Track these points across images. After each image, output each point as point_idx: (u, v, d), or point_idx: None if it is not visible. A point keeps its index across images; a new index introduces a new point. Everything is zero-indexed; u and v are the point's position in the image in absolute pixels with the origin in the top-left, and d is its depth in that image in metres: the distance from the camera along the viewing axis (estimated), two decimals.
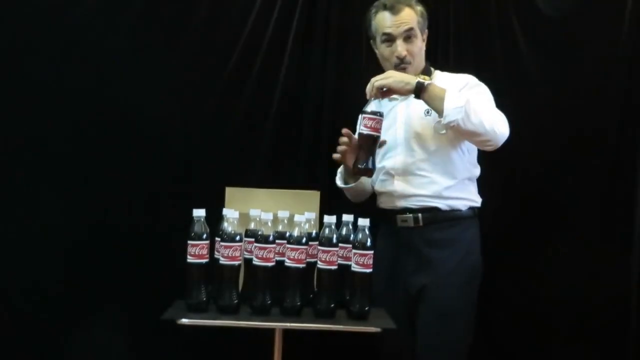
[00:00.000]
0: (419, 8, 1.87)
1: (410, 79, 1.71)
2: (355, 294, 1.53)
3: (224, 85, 2.28)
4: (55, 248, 2.18)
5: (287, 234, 1.54)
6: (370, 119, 1.65)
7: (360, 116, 1.73)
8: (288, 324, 1.48)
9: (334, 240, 1.52)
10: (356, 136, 1.80)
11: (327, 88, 2.29)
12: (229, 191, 1.87)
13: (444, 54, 2.31)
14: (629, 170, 2.14)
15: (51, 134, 2.20)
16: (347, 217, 1.60)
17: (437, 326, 1.79)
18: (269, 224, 1.54)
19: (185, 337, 2.16)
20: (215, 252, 1.59)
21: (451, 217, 1.83)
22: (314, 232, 1.60)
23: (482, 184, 1.97)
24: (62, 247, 2.18)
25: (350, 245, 1.54)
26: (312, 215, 1.62)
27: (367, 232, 1.52)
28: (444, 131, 1.78)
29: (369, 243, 1.51)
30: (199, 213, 1.52)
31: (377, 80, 1.72)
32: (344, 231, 1.59)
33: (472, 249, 1.85)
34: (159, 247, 2.14)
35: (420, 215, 1.82)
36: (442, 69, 2.29)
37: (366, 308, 1.53)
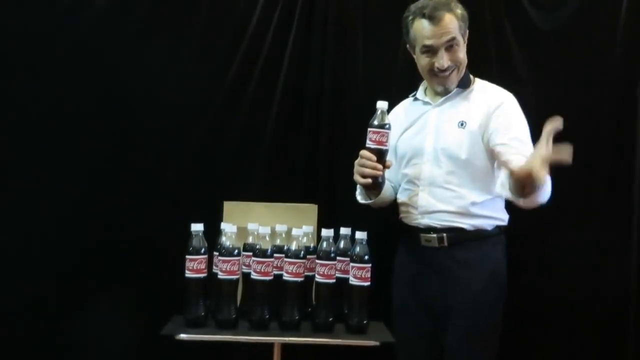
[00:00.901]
0: (459, 11, 1.74)
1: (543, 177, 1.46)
2: (353, 307, 1.53)
3: (221, 99, 2.29)
4: (53, 263, 2.18)
5: (285, 247, 1.54)
6: (375, 132, 1.59)
7: (368, 130, 1.64)
8: (287, 339, 1.48)
9: (332, 254, 1.53)
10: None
11: (324, 105, 2.29)
12: (227, 205, 1.88)
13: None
14: (625, 178, 2.16)
15: (46, 151, 2.21)
16: (345, 230, 1.60)
17: (466, 347, 1.72)
18: (267, 237, 1.54)
19: (184, 352, 2.14)
20: (214, 267, 1.59)
21: (477, 236, 1.73)
22: (312, 245, 1.60)
23: None
24: (60, 263, 2.18)
25: (348, 259, 1.54)
26: (310, 228, 1.62)
27: (364, 245, 1.53)
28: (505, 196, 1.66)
29: (366, 256, 1.51)
30: (197, 227, 1.52)
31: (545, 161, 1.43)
32: (341, 244, 1.59)
33: (499, 268, 1.76)
34: (157, 261, 2.14)
35: (445, 235, 1.72)
36: None
37: (365, 321, 1.53)
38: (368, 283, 1.51)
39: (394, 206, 1.92)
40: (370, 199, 1.80)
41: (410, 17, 1.75)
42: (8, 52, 2.20)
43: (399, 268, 1.88)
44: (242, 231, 1.60)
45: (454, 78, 1.76)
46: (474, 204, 1.72)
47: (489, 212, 1.75)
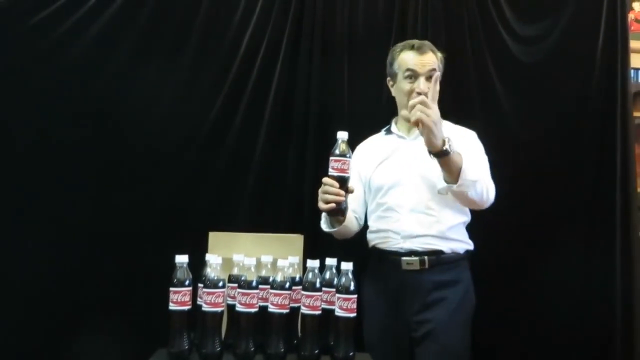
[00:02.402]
0: (440, 54, 1.94)
1: (440, 138, 1.68)
2: (339, 339, 1.52)
3: (207, 129, 2.30)
4: (33, 293, 2.14)
5: (271, 279, 1.53)
6: (336, 160, 1.65)
7: (329, 159, 1.70)
8: None
9: (318, 285, 1.52)
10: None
11: (310, 137, 2.30)
12: (212, 236, 1.87)
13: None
14: (606, 204, 2.21)
15: (31, 179, 2.19)
16: (331, 261, 1.60)
17: None
18: (252, 269, 1.53)
19: None
20: (198, 299, 1.57)
21: (453, 259, 1.87)
22: (297, 276, 1.59)
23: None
24: (41, 292, 2.14)
25: (334, 290, 1.53)
26: (296, 259, 1.61)
27: (350, 275, 1.52)
28: (445, 193, 1.81)
29: (352, 287, 1.51)
30: (182, 259, 1.51)
31: (424, 112, 1.65)
32: (327, 275, 1.58)
33: (470, 288, 1.91)
34: (140, 293, 2.11)
35: (426, 257, 1.84)
36: None
37: (351, 353, 1.51)
38: (354, 314, 1.51)
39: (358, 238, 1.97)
40: (334, 227, 1.87)
41: (398, 50, 1.94)
42: (5, 73, 2.20)
43: (373, 297, 1.91)
44: (228, 262, 1.59)
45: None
46: (450, 228, 1.87)
47: (460, 237, 1.91)
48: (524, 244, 2.25)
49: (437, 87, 1.86)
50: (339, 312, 1.50)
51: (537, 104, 2.32)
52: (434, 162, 1.80)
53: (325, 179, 1.68)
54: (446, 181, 1.74)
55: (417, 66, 1.86)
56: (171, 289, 1.48)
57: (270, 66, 2.32)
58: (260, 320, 1.51)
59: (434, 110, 1.68)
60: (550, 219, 2.27)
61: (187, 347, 1.50)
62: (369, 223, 1.97)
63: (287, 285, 1.51)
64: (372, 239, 1.95)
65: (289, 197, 2.29)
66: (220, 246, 1.76)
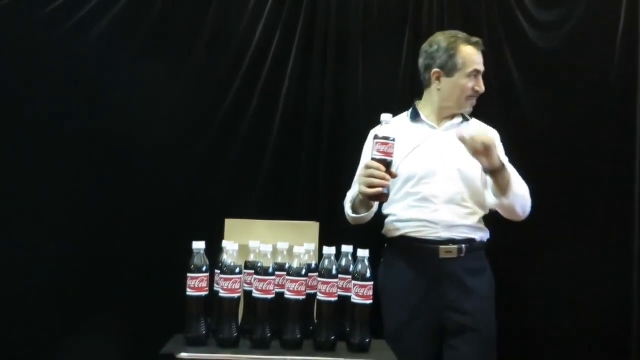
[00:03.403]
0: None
1: (497, 156, 1.74)
2: (355, 325, 1.52)
3: (223, 117, 2.31)
4: (54, 281, 2.17)
5: (287, 265, 1.53)
6: (382, 143, 1.60)
7: (372, 141, 1.67)
8: (288, 358, 1.46)
9: (334, 272, 1.52)
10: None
11: (325, 123, 2.31)
12: (229, 223, 1.88)
13: None
14: (625, 191, 2.19)
15: (47, 169, 2.22)
16: (347, 248, 1.59)
17: (484, 351, 1.86)
18: (269, 255, 1.54)
19: None
20: (215, 285, 1.58)
21: (480, 247, 1.92)
22: (313, 263, 1.59)
23: None
24: (61, 280, 2.18)
25: (350, 277, 1.53)
26: (312, 246, 1.61)
27: (366, 263, 1.52)
28: (493, 206, 1.87)
29: (368, 274, 1.51)
30: (199, 246, 1.52)
31: (483, 143, 1.70)
32: (343, 262, 1.58)
33: (492, 275, 1.94)
34: (158, 279, 2.14)
35: (463, 246, 1.86)
36: None
37: (367, 340, 1.51)
38: (370, 301, 1.50)
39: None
40: (360, 213, 1.85)
41: (458, 43, 1.89)
42: (12, 69, 2.22)
43: (397, 285, 1.90)
44: (244, 249, 1.59)
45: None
46: (480, 218, 1.92)
47: (484, 226, 1.95)
48: (538, 234, 2.23)
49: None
50: (355, 299, 1.50)
51: (555, 91, 2.29)
52: (466, 155, 1.80)
53: (370, 162, 1.63)
54: (495, 195, 1.79)
55: (480, 65, 1.89)
56: (188, 275, 1.49)
57: (284, 54, 2.31)
58: (276, 306, 1.51)
59: (491, 132, 1.78)
60: (566, 207, 2.25)
61: (204, 332, 1.51)
62: (393, 211, 1.94)
63: (304, 272, 1.51)
64: (401, 227, 1.92)
65: (304, 185, 2.29)
66: (236, 233, 1.76)
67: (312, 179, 2.29)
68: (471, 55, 1.88)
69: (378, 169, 1.61)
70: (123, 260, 2.20)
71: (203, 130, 2.30)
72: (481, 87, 1.89)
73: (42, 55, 2.23)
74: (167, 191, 2.25)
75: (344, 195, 2.28)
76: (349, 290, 1.53)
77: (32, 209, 2.20)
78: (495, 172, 1.73)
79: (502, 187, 1.76)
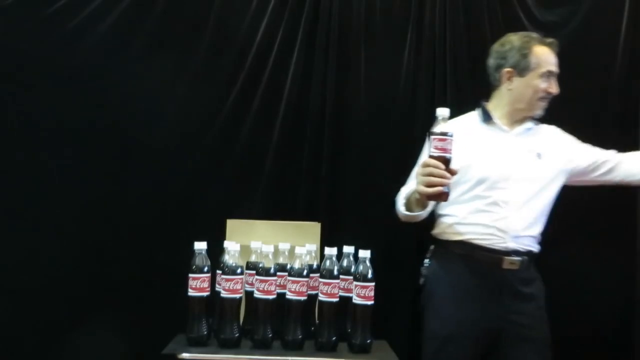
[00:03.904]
0: None
1: None
2: (356, 326, 1.52)
3: (224, 117, 2.31)
4: (56, 281, 2.18)
5: (288, 266, 1.54)
6: (439, 139, 1.50)
7: (428, 138, 1.57)
8: (290, 358, 1.47)
9: (335, 272, 1.52)
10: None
11: (326, 124, 2.30)
12: (230, 223, 1.88)
13: (442, 86, 2.34)
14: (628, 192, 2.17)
15: (49, 169, 2.22)
16: (348, 249, 1.60)
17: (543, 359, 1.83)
18: (270, 256, 1.54)
19: None
20: (217, 285, 1.58)
21: (535, 258, 1.87)
22: (315, 264, 1.60)
23: None
24: (62, 280, 2.18)
25: (352, 277, 1.54)
26: (313, 246, 1.62)
27: (368, 263, 1.52)
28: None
29: (370, 275, 1.51)
30: (200, 246, 1.52)
31: None
32: (344, 263, 1.59)
33: (542, 283, 1.90)
34: (159, 280, 2.14)
35: (526, 258, 1.82)
36: (440, 99, 2.33)
37: (368, 341, 1.52)
38: (371, 302, 1.51)
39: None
40: (414, 211, 1.74)
41: (533, 42, 1.85)
42: (16, 68, 2.23)
43: (449, 289, 1.83)
44: (245, 249, 1.60)
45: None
46: (540, 231, 1.87)
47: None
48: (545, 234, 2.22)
49: None
50: (356, 300, 1.51)
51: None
52: (538, 162, 1.82)
53: (428, 160, 1.52)
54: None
55: (555, 67, 1.84)
56: (190, 275, 1.50)
57: (286, 55, 2.31)
58: (278, 307, 1.52)
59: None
60: (568, 207, 2.24)
61: (205, 332, 1.51)
62: (455, 213, 1.84)
63: (305, 272, 1.51)
64: (464, 231, 1.83)
65: (305, 185, 2.29)
66: (238, 234, 1.77)
67: (314, 179, 2.28)
68: (545, 55, 1.83)
69: (436, 167, 1.51)
70: (125, 260, 2.20)
71: (204, 130, 2.30)
72: (554, 89, 1.84)
73: (45, 55, 2.23)
74: (169, 191, 2.25)
75: (346, 196, 2.29)
76: (350, 290, 1.53)
77: (33, 209, 2.20)
78: None
79: None
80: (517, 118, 1.88)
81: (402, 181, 2.33)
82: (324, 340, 1.51)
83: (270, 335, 1.51)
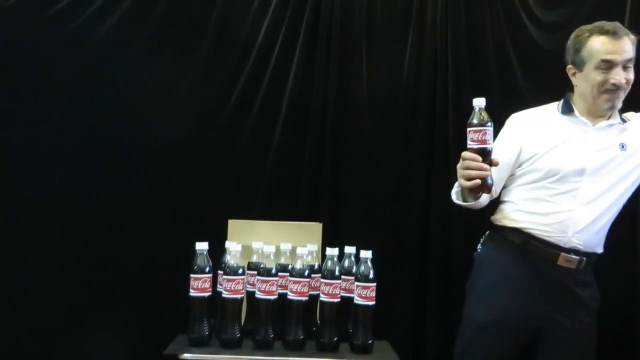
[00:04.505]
0: (634, 37, 1.74)
1: None
2: (358, 326, 1.52)
3: (225, 117, 2.31)
4: (57, 280, 2.18)
5: (290, 266, 1.54)
6: (476, 131, 1.47)
7: (467, 130, 1.52)
8: (291, 358, 1.47)
9: (337, 273, 1.52)
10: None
11: (328, 124, 2.30)
12: (232, 224, 1.88)
13: (443, 85, 2.33)
14: None
15: (51, 169, 2.23)
16: (350, 249, 1.60)
17: None
18: (272, 256, 1.54)
19: None
20: (218, 285, 1.58)
21: (596, 261, 1.78)
22: (316, 264, 1.60)
23: None
24: (63, 279, 2.18)
25: (353, 278, 1.54)
26: (315, 247, 1.62)
27: (369, 264, 1.52)
28: None
29: (371, 275, 1.51)
30: (202, 246, 1.53)
31: None
32: (346, 263, 1.59)
33: (599, 290, 1.81)
34: (161, 280, 2.14)
35: (584, 259, 1.72)
36: (441, 101, 2.32)
37: (369, 341, 1.52)
38: (373, 302, 1.51)
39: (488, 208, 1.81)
40: (467, 201, 1.69)
41: (587, 35, 1.75)
42: (19, 68, 2.23)
43: (504, 276, 1.76)
44: (247, 249, 1.60)
45: (622, 97, 1.75)
46: (606, 233, 1.77)
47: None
48: None
49: (632, 75, 1.72)
50: (357, 300, 1.51)
51: (559, 91, 2.28)
52: (620, 154, 1.73)
53: (465, 153, 1.50)
54: None
55: (614, 55, 1.68)
56: (191, 275, 1.50)
57: (288, 54, 2.31)
58: (279, 307, 1.52)
59: None
60: None
61: (207, 332, 1.52)
62: (517, 200, 1.77)
63: (306, 272, 1.51)
64: (522, 220, 1.75)
65: (307, 186, 2.29)
66: (239, 234, 1.77)
67: (316, 179, 2.28)
68: (600, 45, 1.70)
69: (474, 160, 1.48)
70: (126, 260, 2.20)
71: (206, 130, 2.30)
72: (617, 79, 1.68)
73: (48, 55, 2.23)
74: (170, 191, 2.26)
75: (347, 197, 2.29)
76: (351, 291, 1.53)
77: (35, 209, 2.21)
78: None
79: None
80: (596, 113, 1.76)
81: (403, 181, 2.34)
82: (325, 340, 1.51)
83: (271, 336, 1.51)
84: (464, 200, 1.69)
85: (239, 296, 1.51)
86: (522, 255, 1.74)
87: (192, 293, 1.50)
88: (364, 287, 1.50)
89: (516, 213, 1.77)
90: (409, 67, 2.34)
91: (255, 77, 2.31)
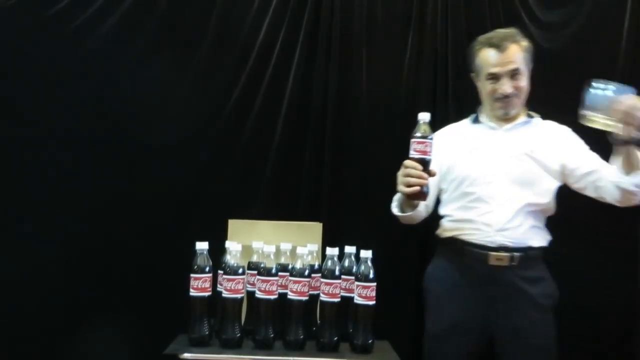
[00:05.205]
0: (524, 43, 1.84)
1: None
2: (358, 326, 1.52)
3: (226, 118, 2.31)
4: (58, 280, 2.18)
5: (290, 266, 1.54)
6: (419, 142, 1.57)
7: (410, 141, 1.62)
8: (291, 358, 1.47)
9: (337, 273, 1.52)
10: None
11: (328, 124, 2.31)
12: (232, 223, 1.88)
13: (443, 86, 2.33)
14: None
15: (51, 169, 2.23)
16: (350, 249, 1.60)
17: None
18: (272, 256, 1.54)
19: None
20: (218, 285, 1.58)
21: (538, 256, 1.82)
22: (316, 264, 1.60)
23: None
24: (63, 279, 2.19)
25: (353, 277, 1.54)
26: (315, 247, 1.62)
27: (369, 263, 1.52)
28: (632, 187, 1.67)
29: (371, 275, 1.51)
30: (202, 246, 1.53)
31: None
32: (346, 263, 1.59)
33: (553, 283, 1.84)
34: (161, 280, 2.14)
35: (515, 254, 1.77)
36: (442, 101, 2.33)
37: (370, 341, 1.52)
38: (373, 302, 1.51)
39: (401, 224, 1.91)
40: (406, 212, 1.79)
41: (477, 47, 1.86)
42: (18, 68, 2.23)
43: (446, 288, 1.83)
44: (247, 249, 1.60)
45: (515, 103, 1.84)
46: (538, 221, 1.82)
47: (544, 227, 1.85)
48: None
49: (525, 81, 1.81)
50: (358, 300, 1.51)
51: (559, 91, 2.28)
52: (527, 158, 1.79)
53: (406, 162, 1.60)
54: (627, 173, 1.65)
55: (498, 67, 1.79)
56: (192, 275, 1.50)
57: (288, 54, 2.31)
58: (279, 307, 1.52)
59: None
60: (569, 208, 2.23)
61: (207, 332, 1.51)
62: (448, 212, 1.88)
63: (306, 272, 1.51)
64: (453, 228, 1.85)
65: (307, 185, 2.29)
66: (239, 234, 1.77)
67: (316, 179, 2.29)
68: (486, 58, 1.81)
69: (414, 168, 1.58)
70: (126, 260, 2.21)
71: (206, 130, 2.31)
72: (503, 90, 1.79)
73: (48, 55, 2.23)
74: (170, 191, 2.26)
75: (347, 196, 2.29)
76: (351, 291, 1.53)
77: (35, 210, 2.21)
78: (628, 142, 1.60)
79: (637, 161, 1.62)
80: (499, 117, 1.87)
81: None
82: (325, 340, 1.51)
83: (271, 336, 1.51)
84: (402, 211, 1.79)
85: (239, 296, 1.51)
86: (461, 262, 1.81)
87: (192, 293, 1.50)
88: (364, 287, 1.50)
89: (450, 223, 1.86)
90: (409, 67, 2.34)
91: (255, 77, 2.32)
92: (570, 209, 2.21)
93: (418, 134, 1.58)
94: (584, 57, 2.29)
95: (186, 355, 1.45)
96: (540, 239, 1.82)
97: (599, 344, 2.21)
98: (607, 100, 1.66)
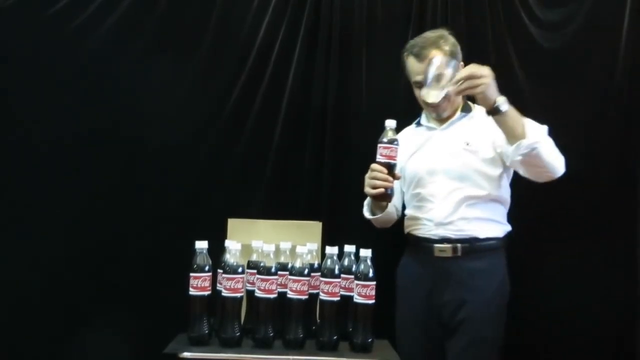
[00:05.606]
0: (447, 47, 1.84)
1: (495, 98, 1.65)
2: (357, 325, 1.52)
3: (225, 117, 2.31)
4: (57, 280, 2.18)
5: (289, 265, 1.54)
6: (385, 147, 1.68)
7: (377, 146, 1.71)
8: (291, 357, 1.47)
9: (336, 272, 1.52)
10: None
11: (328, 123, 2.31)
12: (231, 222, 1.88)
13: None
14: (628, 190, 2.19)
15: (51, 168, 2.23)
16: (349, 248, 1.60)
17: (472, 356, 1.82)
18: (271, 255, 1.54)
19: None
20: (218, 284, 1.58)
21: (487, 247, 1.85)
22: (316, 263, 1.60)
23: None
24: (63, 279, 2.19)
25: (353, 276, 1.54)
26: (314, 246, 1.62)
27: (369, 262, 1.52)
28: (518, 157, 1.68)
29: (371, 274, 1.51)
30: (201, 245, 1.53)
31: (476, 79, 1.62)
32: (346, 262, 1.59)
33: (505, 277, 1.89)
34: (161, 279, 2.14)
35: (459, 245, 1.83)
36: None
37: (369, 340, 1.52)
38: (372, 301, 1.51)
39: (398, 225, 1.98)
40: (376, 214, 1.91)
41: (405, 54, 1.92)
42: (18, 68, 2.23)
43: (408, 283, 1.93)
44: (246, 248, 1.60)
45: (444, 107, 1.89)
46: (484, 212, 1.86)
47: (497, 218, 1.89)
48: (541, 235, 2.21)
49: (447, 90, 1.75)
50: (357, 299, 1.51)
51: (559, 91, 2.28)
52: (464, 152, 1.84)
53: (373, 165, 1.71)
54: (511, 143, 1.66)
55: (420, 76, 1.83)
56: (191, 274, 1.50)
57: (287, 55, 2.31)
58: (279, 306, 1.52)
59: (484, 72, 1.64)
60: (569, 208, 2.23)
61: (207, 331, 1.52)
62: (407, 211, 1.99)
63: (306, 271, 1.52)
64: (407, 225, 1.97)
65: (306, 185, 2.29)
66: (239, 233, 1.77)
67: (315, 178, 2.29)
68: (411, 67, 1.89)
69: (380, 171, 1.69)
70: (126, 259, 2.21)
71: (206, 130, 2.30)
72: (423, 98, 1.82)
73: (48, 55, 2.23)
74: (170, 190, 2.26)
75: (347, 195, 2.29)
76: (351, 290, 1.53)
77: (35, 209, 2.21)
78: (497, 114, 1.64)
79: (513, 130, 1.64)
80: (434, 118, 1.95)
81: None
82: (325, 339, 1.51)
83: (271, 335, 1.51)
84: (373, 214, 1.92)
85: (238, 295, 1.51)
86: (417, 255, 1.92)
87: (192, 292, 1.50)
88: (364, 286, 1.50)
89: (408, 221, 1.97)
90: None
91: (255, 77, 2.31)
92: (569, 208, 2.23)
93: (385, 140, 1.68)
94: (584, 57, 2.29)
95: (186, 354, 1.45)
96: (488, 230, 1.85)
97: (599, 344, 2.20)
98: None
